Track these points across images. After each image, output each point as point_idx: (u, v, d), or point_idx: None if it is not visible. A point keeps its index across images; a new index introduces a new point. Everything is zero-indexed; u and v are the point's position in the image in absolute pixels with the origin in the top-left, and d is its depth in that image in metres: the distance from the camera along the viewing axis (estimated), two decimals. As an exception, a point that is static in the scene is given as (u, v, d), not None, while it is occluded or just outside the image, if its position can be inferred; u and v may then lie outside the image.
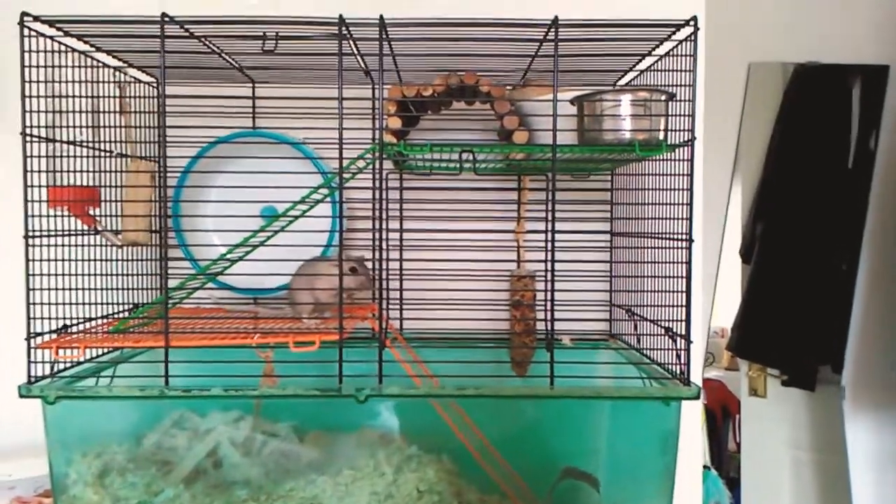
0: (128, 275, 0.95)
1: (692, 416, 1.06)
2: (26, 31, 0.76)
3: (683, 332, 0.79)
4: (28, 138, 0.77)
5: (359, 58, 0.88)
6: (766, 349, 1.95)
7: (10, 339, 1.09)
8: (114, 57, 0.91)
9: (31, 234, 0.78)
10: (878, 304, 1.80)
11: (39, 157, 0.79)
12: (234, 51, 0.86)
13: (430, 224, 1.00)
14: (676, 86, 0.79)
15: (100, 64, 0.89)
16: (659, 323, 0.85)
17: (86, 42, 0.84)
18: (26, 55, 0.77)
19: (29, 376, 0.78)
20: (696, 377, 0.88)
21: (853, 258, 1.81)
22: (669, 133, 0.80)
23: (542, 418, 0.87)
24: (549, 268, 0.78)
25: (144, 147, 0.97)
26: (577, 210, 1.03)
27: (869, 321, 1.79)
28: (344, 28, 0.75)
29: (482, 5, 0.96)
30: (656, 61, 0.88)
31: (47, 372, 0.79)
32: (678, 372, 0.80)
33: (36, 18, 0.76)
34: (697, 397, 0.78)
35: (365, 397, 0.76)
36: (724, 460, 2.10)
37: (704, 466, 1.24)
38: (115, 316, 0.92)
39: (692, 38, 0.77)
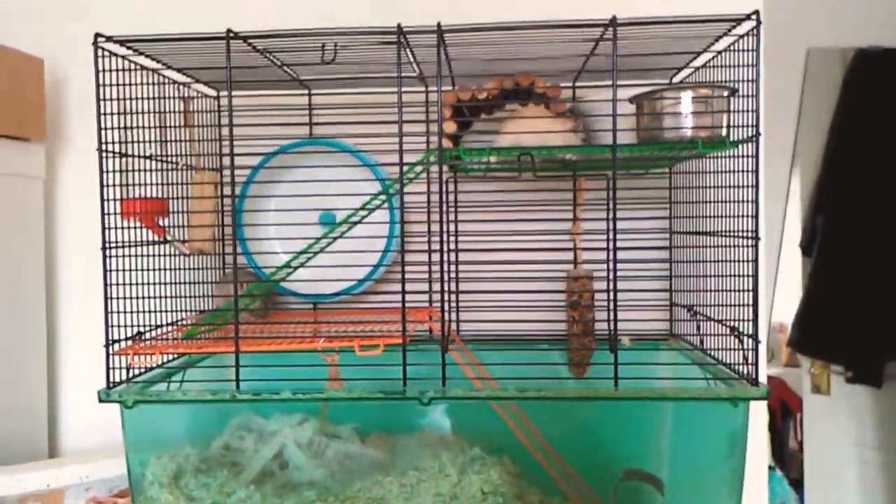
0: (196, 283, 0.99)
1: (758, 416, 1.04)
2: (100, 52, 0.79)
3: (750, 332, 0.78)
4: (104, 154, 0.81)
5: (414, 64, 0.89)
6: (830, 345, 1.88)
7: (81, 346, 1.16)
8: (180, 73, 0.94)
9: (108, 245, 0.81)
10: (949, 296, 1.73)
11: (113, 171, 0.82)
12: (294, 62, 0.88)
13: (485, 227, 1.01)
14: (736, 81, 0.78)
15: (166, 80, 0.92)
16: (724, 322, 0.83)
17: (155, 60, 0.87)
18: (100, 74, 0.80)
19: (108, 381, 0.80)
20: (762, 377, 0.86)
21: (921, 249, 1.74)
22: (732, 129, 0.78)
23: (604, 419, 0.86)
24: (612, 268, 0.77)
25: (208, 158, 1.00)
26: (635, 207, 1.02)
27: (940, 315, 1.72)
28: (402, 36, 0.76)
29: (533, 5, 0.95)
30: (714, 57, 0.86)
31: (123, 377, 0.81)
32: (745, 372, 0.78)
33: (109, 39, 0.79)
34: (766, 398, 0.76)
35: (429, 400, 0.77)
36: (786, 460, 2.05)
37: (769, 467, 1.21)
38: (185, 322, 0.95)
39: (754, 32, 0.75)
